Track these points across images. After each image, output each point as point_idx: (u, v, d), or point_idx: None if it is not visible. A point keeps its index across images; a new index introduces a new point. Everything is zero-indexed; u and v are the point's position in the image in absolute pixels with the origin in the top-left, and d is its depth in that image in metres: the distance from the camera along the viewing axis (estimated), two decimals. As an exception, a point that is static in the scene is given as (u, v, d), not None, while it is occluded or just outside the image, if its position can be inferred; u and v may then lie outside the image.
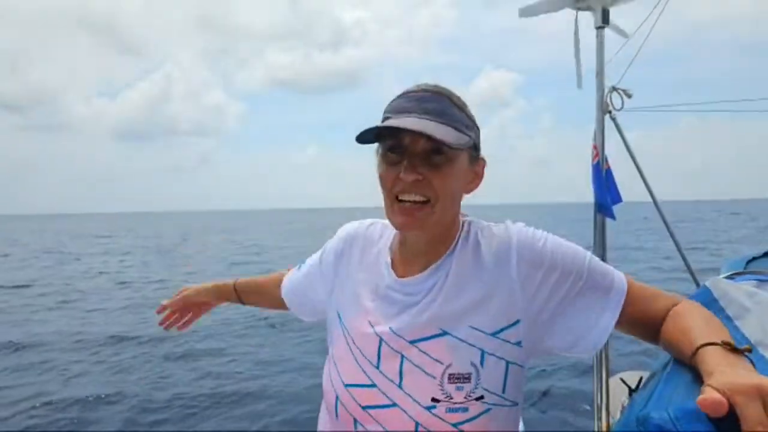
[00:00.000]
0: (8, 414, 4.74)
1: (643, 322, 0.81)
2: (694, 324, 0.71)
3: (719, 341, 0.62)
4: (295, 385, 5.32)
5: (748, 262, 1.22)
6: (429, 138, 0.75)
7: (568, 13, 2.44)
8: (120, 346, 7.05)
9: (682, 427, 0.51)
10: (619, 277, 0.82)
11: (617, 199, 2.43)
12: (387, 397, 0.80)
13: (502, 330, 0.79)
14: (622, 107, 2.24)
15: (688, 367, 0.65)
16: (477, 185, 0.88)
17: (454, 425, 0.76)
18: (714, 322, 0.72)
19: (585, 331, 0.79)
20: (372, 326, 0.86)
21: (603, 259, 2.37)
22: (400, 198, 0.80)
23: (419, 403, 0.77)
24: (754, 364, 0.60)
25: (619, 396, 2.47)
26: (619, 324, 0.81)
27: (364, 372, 0.83)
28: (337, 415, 0.84)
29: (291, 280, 1.11)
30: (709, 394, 0.51)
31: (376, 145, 0.85)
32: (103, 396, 5.16)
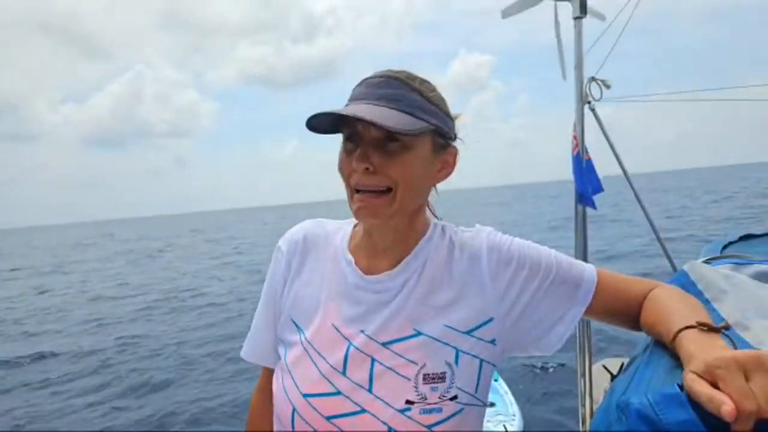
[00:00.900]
0: None
1: (619, 311, 0.81)
2: (671, 307, 0.72)
3: (695, 323, 0.63)
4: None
5: (724, 246, 1.24)
6: (376, 124, 0.72)
7: (546, 6, 2.45)
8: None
9: (661, 412, 0.51)
10: (589, 269, 0.82)
11: (598, 188, 2.46)
12: (355, 403, 0.75)
13: (476, 328, 0.79)
14: (600, 97, 2.26)
15: (667, 350, 0.65)
16: (447, 174, 0.84)
17: (428, 427, 0.74)
18: (690, 302, 0.73)
19: (550, 326, 0.80)
20: (337, 330, 0.81)
21: (584, 246, 2.40)
22: (357, 188, 0.77)
23: (392, 407, 0.74)
24: (733, 342, 0.60)
25: (602, 382, 2.51)
26: (595, 314, 0.82)
27: (327, 380, 0.77)
28: (293, 429, 0.78)
29: (248, 340, 0.94)
30: (696, 387, 0.50)
31: None
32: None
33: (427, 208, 0.90)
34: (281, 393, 0.81)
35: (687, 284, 0.84)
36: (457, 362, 0.76)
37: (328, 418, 0.76)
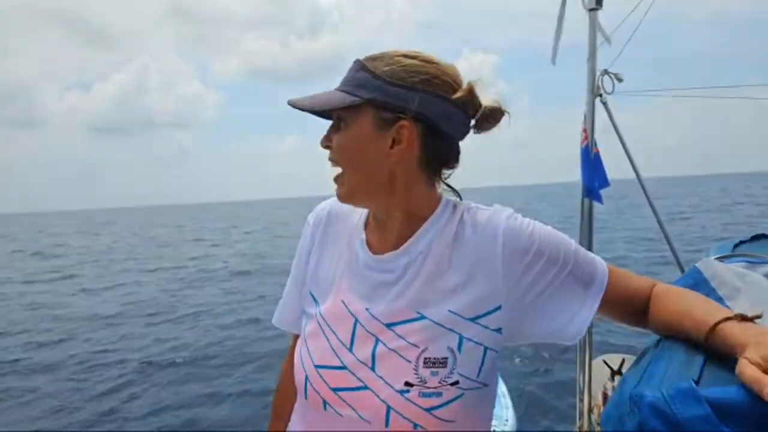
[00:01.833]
0: None
1: (623, 306, 0.81)
2: (691, 303, 0.71)
3: (732, 315, 0.62)
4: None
5: (736, 245, 1.22)
6: (306, 108, 0.80)
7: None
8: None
9: (676, 407, 0.50)
10: (602, 265, 0.81)
11: (604, 183, 2.44)
12: (358, 379, 0.77)
13: (482, 316, 0.77)
14: (612, 91, 2.23)
15: (681, 345, 0.65)
16: (405, 151, 0.77)
17: (427, 410, 0.74)
18: (703, 298, 0.73)
19: (567, 320, 0.78)
20: (346, 306, 0.83)
21: (590, 242, 2.39)
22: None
23: (392, 387, 0.75)
24: None
25: (601, 378, 2.51)
26: (600, 309, 0.80)
27: (336, 354, 0.80)
28: (306, 396, 0.82)
29: (278, 308, 1.00)
30: (747, 371, 0.51)
31: None
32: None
33: (436, 186, 0.85)
34: (298, 361, 0.85)
35: (700, 281, 0.84)
36: (460, 348, 0.75)
37: (334, 390, 0.78)
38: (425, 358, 0.75)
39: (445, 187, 0.87)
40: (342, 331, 0.81)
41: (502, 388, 4.28)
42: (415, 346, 0.76)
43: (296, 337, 0.97)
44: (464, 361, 0.75)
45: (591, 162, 2.37)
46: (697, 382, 0.52)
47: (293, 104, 0.80)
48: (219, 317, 9.05)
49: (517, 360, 5.97)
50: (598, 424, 2.26)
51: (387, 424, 0.75)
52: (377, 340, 0.78)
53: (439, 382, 0.74)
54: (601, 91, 2.25)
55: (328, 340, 0.82)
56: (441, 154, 0.82)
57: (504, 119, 0.82)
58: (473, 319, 0.76)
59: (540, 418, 4.60)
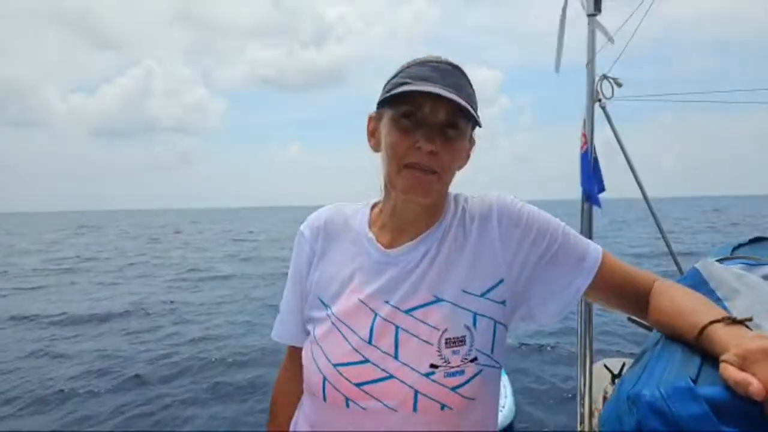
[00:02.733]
0: None
1: (621, 292, 0.83)
2: (687, 303, 0.72)
3: (720, 318, 0.64)
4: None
5: (734, 248, 1.23)
6: (450, 109, 0.78)
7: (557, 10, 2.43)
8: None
9: (674, 406, 0.50)
10: (595, 246, 0.85)
11: (601, 188, 2.45)
12: (382, 370, 0.79)
13: (489, 290, 0.82)
14: (612, 96, 2.24)
15: (679, 344, 0.65)
16: (465, 164, 0.89)
17: (452, 389, 0.77)
18: (702, 299, 0.73)
19: (558, 291, 0.82)
20: (363, 303, 0.84)
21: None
22: (410, 165, 0.80)
23: (417, 371, 0.77)
24: None
25: (601, 382, 2.51)
26: (599, 292, 0.84)
27: (356, 350, 0.81)
28: (324, 398, 0.82)
29: (277, 321, 1.00)
30: (727, 373, 0.52)
31: (364, 132, 0.90)
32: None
33: None
34: (311, 365, 0.85)
35: (699, 282, 0.84)
36: (475, 325, 0.80)
37: (358, 385, 0.80)
38: (446, 339, 0.79)
39: None
40: (361, 327, 0.83)
41: (504, 379, 4.29)
42: (436, 328, 0.79)
43: (292, 351, 0.99)
44: (480, 337, 0.80)
45: (590, 167, 2.39)
46: (695, 382, 0.53)
47: (449, 97, 0.76)
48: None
49: (517, 362, 5.96)
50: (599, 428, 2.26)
51: (415, 409, 0.77)
52: (397, 328, 0.81)
53: (461, 360, 0.78)
54: (600, 96, 2.27)
55: (345, 338, 0.83)
56: None
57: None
58: (482, 295, 0.82)
59: (540, 422, 4.58)
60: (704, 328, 0.63)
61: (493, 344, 0.81)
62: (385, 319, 0.82)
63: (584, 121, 2.37)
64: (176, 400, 5.32)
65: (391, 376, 0.78)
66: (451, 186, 0.89)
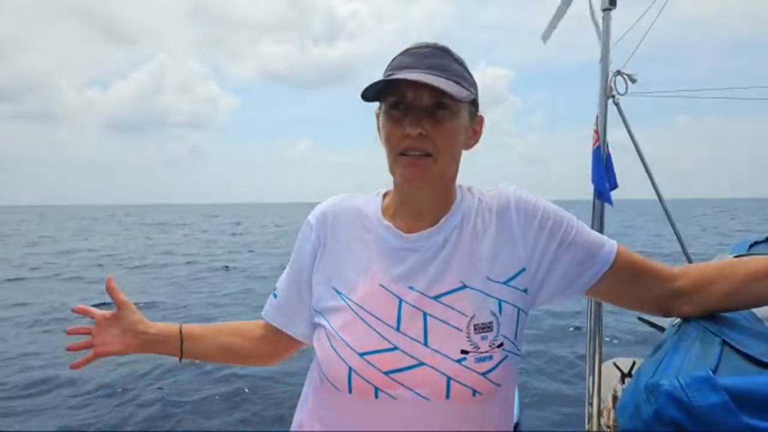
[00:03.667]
0: None
1: (638, 283, 0.85)
2: (753, 265, 0.79)
3: None
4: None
5: (751, 245, 1.21)
6: (433, 90, 0.77)
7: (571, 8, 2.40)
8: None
9: (693, 395, 0.50)
10: (610, 240, 0.87)
11: (614, 185, 2.43)
12: (412, 357, 0.78)
13: (512, 278, 0.84)
14: (626, 92, 2.22)
15: (696, 336, 0.64)
16: (476, 142, 0.90)
17: (483, 374, 0.78)
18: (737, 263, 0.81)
19: (576, 277, 0.85)
20: (386, 289, 0.83)
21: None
22: (404, 152, 0.81)
23: (449, 357, 0.78)
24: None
25: (610, 381, 2.49)
26: (614, 281, 0.84)
27: (383, 337, 0.80)
28: (350, 389, 0.80)
29: (272, 304, 0.99)
30: None
31: (374, 121, 0.89)
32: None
33: None
34: (333, 356, 0.82)
35: None
36: (500, 311, 0.81)
37: (387, 373, 0.78)
38: (475, 325, 0.79)
39: None
40: (386, 313, 0.82)
41: None
42: (464, 314, 0.80)
43: (266, 327, 0.99)
44: (505, 323, 0.81)
45: (602, 163, 2.37)
46: (714, 371, 0.52)
47: (416, 80, 0.76)
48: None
49: (524, 359, 5.94)
50: (608, 427, 2.24)
51: (448, 396, 0.77)
52: (425, 315, 0.80)
53: (489, 346, 0.79)
54: (614, 92, 2.24)
55: (369, 325, 0.82)
56: None
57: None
58: (505, 283, 0.83)
59: (547, 420, 4.56)
60: None
61: (516, 331, 0.82)
62: (413, 305, 0.81)
63: (597, 117, 2.35)
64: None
65: (422, 363, 0.78)
66: (463, 181, 0.90)
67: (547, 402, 4.94)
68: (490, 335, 0.79)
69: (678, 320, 0.83)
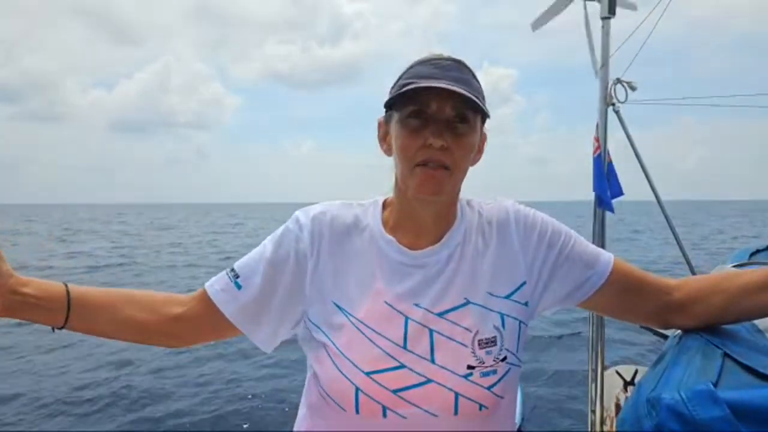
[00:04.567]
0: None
1: (635, 296, 0.85)
2: (757, 275, 0.79)
3: None
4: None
5: (752, 254, 1.22)
6: (456, 103, 0.77)
7: (571, 9, 2.42)
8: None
9: (694, 409, 0.50)
10: (607, 252, 0.88)
11: (618, 192, 2.43)
12: (419, 374, 0.77)
13: (513, 292, 0.84)
14: (626, 100, 2.23)
15: (697, 348, 0.65)
16: (480, 158, 0.89)
17: (488, 388, 0.78)
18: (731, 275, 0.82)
19: (574, 289, 0.86)
20: (392, 307, 0.81)
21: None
22: (422, 163, 0.79)
23: (456, 373, 0.78)
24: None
25: (613, 389, 2.48)
26: (611, 294, 0.85)
27: (390, 355, 0.78)
28: (357, 410, 0.77)
29: (233, 295, 0.84)
30: None
31: (376, 124, 0.88)
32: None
33: None
34: (338, 376, 0.79)
35: None
36: (503, 326, 0.81)
37: (395, 392, 0.77)
38: (479, 340, 0.80)
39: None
40: (392, 331, 0.80)
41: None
42: (468, 330, 0.80)
43: (211, 307, 0.84)
44: (508, 337, 0.81)
45: (603, 171, 2.37)
46: (715, 385, 0.52)
47: (453, 90, 0.75)
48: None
49: (527, 366, 5.90)
50: (611, 435, 2.23)
51: (456, 412, 0.77)
52: (431, 332, 0.80)
53: (494, 360, 0.79)
54: (614, 100, 2.25)
55: (375, 344, 0.79)
56: None
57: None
58: (507, 297, 0.84)
59: (550, 428, 4.53)
60: None
61: (518, 344, 0.83)
62: (419, 323, 0.80)
63: (597, 125, 2.36)
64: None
65: (429, 381, 0.77)
66: (467, 188, 0.89)
67: (550, 409, 4.91)
68: (494, 350, 0.80)
69: (679, 331, 0.83)
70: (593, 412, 2.39)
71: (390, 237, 0.86)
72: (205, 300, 0.85)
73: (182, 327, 0.87)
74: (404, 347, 0.79)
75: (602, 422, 2.35)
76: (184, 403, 5.10)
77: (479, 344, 0.79)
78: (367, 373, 0.78)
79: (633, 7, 2.31)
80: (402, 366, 0.78)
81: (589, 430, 2.41)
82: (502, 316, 0.82)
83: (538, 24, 2.52)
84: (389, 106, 0.82)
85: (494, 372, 0.79)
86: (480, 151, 0.88)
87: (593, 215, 2.41)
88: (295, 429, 0.91)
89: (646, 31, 2.20)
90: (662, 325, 0.86)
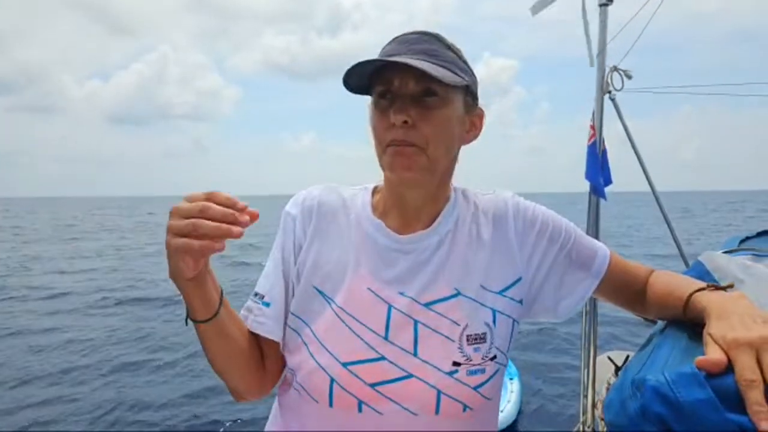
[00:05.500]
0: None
1: (623, 291, 0.85)
2: (676, 281, 0.76)
3: (705, 286, 0.68)
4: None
5: (742, 241, 1.23)
6: (422, 76, 0.70)
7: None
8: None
9: (678, 390, 0.51)
10: (603, 248, 0.86)
11: (608, 181, 2.45)
12: (400, 368, 0.73)
13: (507, 288, 0.80)
14: (622, 87, 2.23)
15: (683, 331, 0.66)
16: (474, 136, 0.82)
17: (474, 388, 0.73)
18: (692, 279, 0.76)
19: (568, 291, 0.83)
20: (375, 293, 0.77)
21: (596, 239, 2.38)
22: (391, 143, 0.74)
23: (440, 369, 0.73)
24: None
25: (605, 374, 2.52)
26: (605, 292, 0.85)
27: (369, 345, 0.74)
28: (331, 403, 0.73)
29: (267, 314, 0.80)
30: (709, 356, 0.53)
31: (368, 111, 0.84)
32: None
33: None
34: (313, 366, 0.74)
35: (703, 274, 0.84)
36: (494, 323, 0.77)
37: (373, 386, 0.72)
38: (467, 335, 0.75)
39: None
40: (374, 320, 0.75)
41: (512, 367, 4.37)
42: (457, 323, 0.75)
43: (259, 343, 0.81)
44: (499, 335, 0.77)
45: (597, 159, 2.38)
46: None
47: (406, 63, 0.68)
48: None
49: (520, 353, 5.97)
50: (602, 419, 2.27)
51: (437, 411, 0.72)
52: (416, 323, 0.75)
53: (482, 358, 0.75)
54: (610, 88, 2.25)
55: (355, 332, 0.75)
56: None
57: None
58: (501, 292, 0.79)
59: (541, 414, 4.60)
60: (690, 296, 0.66)
61: (509, 343, 0.79)
62: (403, 312, 0.75)
63: (593, 113, 2.36)
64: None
65: (410, 375, 0.72)
66: (463, 180, 0.86)
67: (543, 394, 4.97)
68: (483, 347, 0.75)
69: None
70: (585, 396, 2.43)
71: (378, 221, 0.82)
72: (256, 338, 0.81)
73: (263, 373, 0.82)
74: (385, 338, 0.74)
75: (594, 407, 2.39)
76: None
77: (467, 340, 0.74)
78: (344, 365, 0.73)
79: None
80: (382, 358, 0.73)
81: (581, 413, 2.45)
82: (494, 312, 0.77)
83: (536, 9, 2.49)
84: (362, 90, 0.77)
85: (482, 371, 0.74)
86: (474, 127, 0.82)
87: (588, 202, 2.42)
88: (268, 424, 0.87)
89: (644, 19, 2.19)
90: (638, 314, 0.86)
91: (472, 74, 0.79)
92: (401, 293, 0.77)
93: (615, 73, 2.24)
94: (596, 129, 2.35)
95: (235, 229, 0.60)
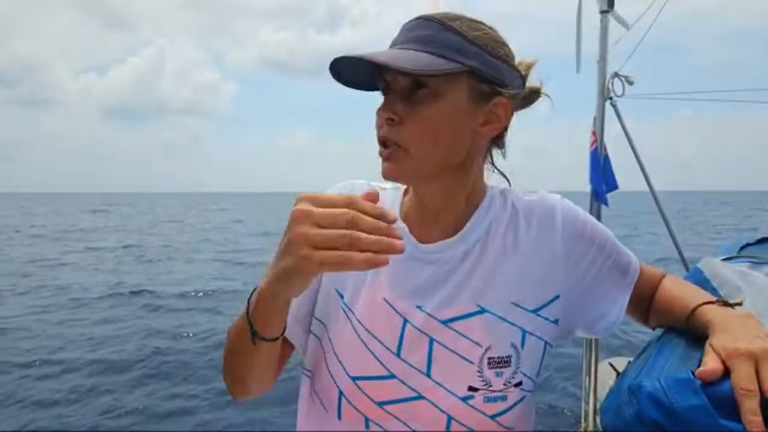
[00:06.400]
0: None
1: (640, 299, 0.80)
2: (685, 290, 0.74)
3: (714, 300, 0.66)
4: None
5: (742, 248, 1.23)
6: (416, 66, 0.62)
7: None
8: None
9: (673, 397, 0.51)
10: (633, 258, 0.79)
11: (613, 186, 2.44)
12: (410, 388, 0.68)
13: (543, 306, 0.72)
14: (623, 94, 2.24)
15: (680, 338, 0.66)
16: (494, 129, 0.70)
17: (492, 417, 0.67)
18: (702, 290, 0.74)
19: (606, 309, 0.75)
20: (391, 305, 0.71)
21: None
22: (382, 143, 0.69)
23: (454, 394, 0.67)
24: None
25: (607, 380, 2.51)
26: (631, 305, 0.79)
27: (380, 361, 0.69)
28: (340, 416, 0.70)
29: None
30: (707, 365, 0.54)
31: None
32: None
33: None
34: (325, 374, 0.72)
35: (701, 281, 0.84)
36: (523, 345, 0.69)
37: (380, 404, 0.68)
38: (489, 358, 0.68)
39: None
40: (387, 334, 0.70)
41: None
42: (478, 344, 0.68)
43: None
44: (526, 359, 0.70)
45: (600, 165, 2.38)
46: (695, 374, 0.54)
47: (371, 58, 0.61)
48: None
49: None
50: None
51: None
52: (432, 341, 0.69)
53: (504, 384, 0.68)
54: (612, 94, 2.26)
55: (367, 346, 0.70)
56: (506, 135, 0.76)
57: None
58: (535, 311, 0.71)
59: (543, 421, 4.58)
60: (696, 308, 0.65)
61: (539, 368, 0.72)
62: (418, 329, 0.69)
63: (594, 119, 2.37)
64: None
65: (420, 397, 0.67)
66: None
67: (544, 401, 4.95)
68: (507, 371, 0.68)
69: None
70: (587, 402, 2.42)
71: (402, 225, 0.75)
72: None
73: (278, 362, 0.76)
74: (397, 355, 0.69)
75: (595, 413, 2.38)
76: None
77: (489, 363, 0.67)
78: (353, 378, 0.69)
79: (626, 25, 2.29)
80: (392, 376, 0.68)
81: (582, 420, 2.45)
82: (524, 333, 0.69)
83: (578, 61, 2.47)
84: (367, 87, 0.72)
85: (503, 398, 0.67)
86: (493, 119, 0.69)
87: (590, 209, 2.42)
88: (297, 429, 0.82)
89: (645, 25, 2.20)
90: (639, 318, 0.82)
91: (485, 55, 0.67)
92: (419, 307, 0.70)
93: (616, 79, 2.25)
94: (597, 135, 2.36)
95: (398, 243, 0.51)
